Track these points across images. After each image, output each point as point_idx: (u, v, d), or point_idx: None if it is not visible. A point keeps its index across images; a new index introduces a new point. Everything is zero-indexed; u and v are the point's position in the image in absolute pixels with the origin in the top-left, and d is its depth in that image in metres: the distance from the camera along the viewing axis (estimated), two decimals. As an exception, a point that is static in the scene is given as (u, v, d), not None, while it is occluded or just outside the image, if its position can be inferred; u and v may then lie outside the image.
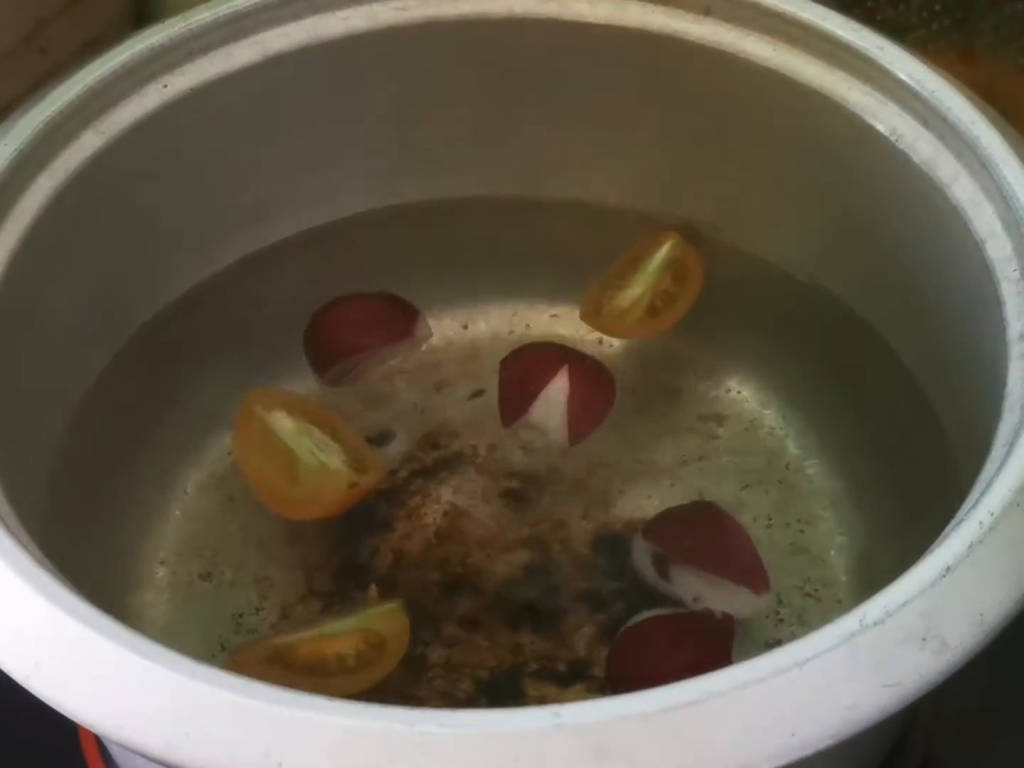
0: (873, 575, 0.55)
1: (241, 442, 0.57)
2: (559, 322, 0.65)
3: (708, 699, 0.35)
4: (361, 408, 0.62)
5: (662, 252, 0.61)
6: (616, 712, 0.35)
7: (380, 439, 0.61)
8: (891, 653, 0.37)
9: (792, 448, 0.60)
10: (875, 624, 0.37)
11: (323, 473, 0.56)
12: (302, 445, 0.56)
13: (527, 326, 0.65)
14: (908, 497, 0.55)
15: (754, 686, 0.36)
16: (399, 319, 0.62)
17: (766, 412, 0.62)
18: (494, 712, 0.36)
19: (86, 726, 0.37)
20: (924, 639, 0.37)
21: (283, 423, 0.57)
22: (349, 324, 0.62)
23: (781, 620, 0.55)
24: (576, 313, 0.62)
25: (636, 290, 0.61)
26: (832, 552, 0.57)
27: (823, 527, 0.57)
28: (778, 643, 0.53)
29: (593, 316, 0.61)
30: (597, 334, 0.63)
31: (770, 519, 0.58)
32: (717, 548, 0.54)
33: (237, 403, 0.60)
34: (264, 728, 0.35)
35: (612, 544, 0.57)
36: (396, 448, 0.61)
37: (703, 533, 0.55)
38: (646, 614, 0.53)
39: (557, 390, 0.58)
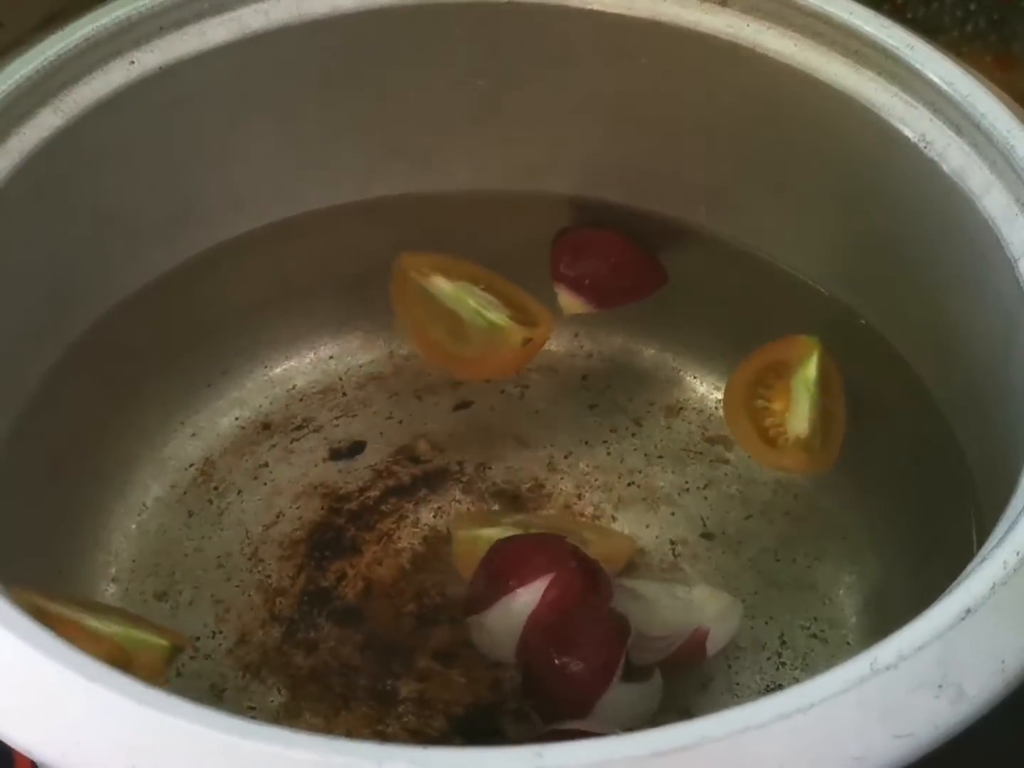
0: (884, 616, 0.54)
1: (401, 310, 0.61)
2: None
3: (701, 744, 0.35)
4: (329, 415, 0.62)
5: (813, 364, 0.58)
6: (602, 755, 0.35)
7: (349, 451, 0.61)
8: (904, 701, 0.36)
9: (801, 478, 0.60)
10: (887, 669, 0.37)
11: (493, 332, 0.58)
12: (466, 306, 0.59)
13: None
14: (925, 534, 0.55)
15: (753, 732, 0.35)
16: (622, 287, 0.62)
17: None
18: (470, 751, 0.35)
19: (23, 752, 0.37)
20: (940, 686, 0.37)
21: (441, 286, 0.59)
22: (596, 250, 0.62)
23: (783, 663, 0.54)
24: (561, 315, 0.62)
25: (804, 413, 0.58)
26: (841, 591, 0.57)
27: (832, 564, 0.57)
28: (779, 688, 0.53)
29: (766, 451, 0.58)
30: (582, 344, 0.64)
31: (776, 553, 0.58)
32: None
33: (198, 408, 0.61)
34: (221, 761, 0.35)
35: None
36: (365, 461, 0.61)
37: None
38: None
39: (522, 603, 0.51)
